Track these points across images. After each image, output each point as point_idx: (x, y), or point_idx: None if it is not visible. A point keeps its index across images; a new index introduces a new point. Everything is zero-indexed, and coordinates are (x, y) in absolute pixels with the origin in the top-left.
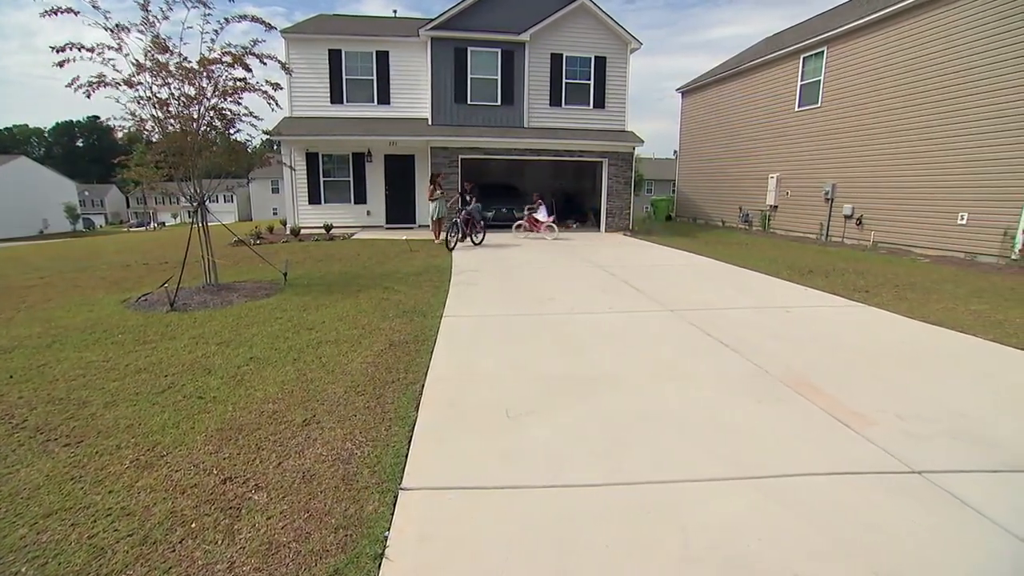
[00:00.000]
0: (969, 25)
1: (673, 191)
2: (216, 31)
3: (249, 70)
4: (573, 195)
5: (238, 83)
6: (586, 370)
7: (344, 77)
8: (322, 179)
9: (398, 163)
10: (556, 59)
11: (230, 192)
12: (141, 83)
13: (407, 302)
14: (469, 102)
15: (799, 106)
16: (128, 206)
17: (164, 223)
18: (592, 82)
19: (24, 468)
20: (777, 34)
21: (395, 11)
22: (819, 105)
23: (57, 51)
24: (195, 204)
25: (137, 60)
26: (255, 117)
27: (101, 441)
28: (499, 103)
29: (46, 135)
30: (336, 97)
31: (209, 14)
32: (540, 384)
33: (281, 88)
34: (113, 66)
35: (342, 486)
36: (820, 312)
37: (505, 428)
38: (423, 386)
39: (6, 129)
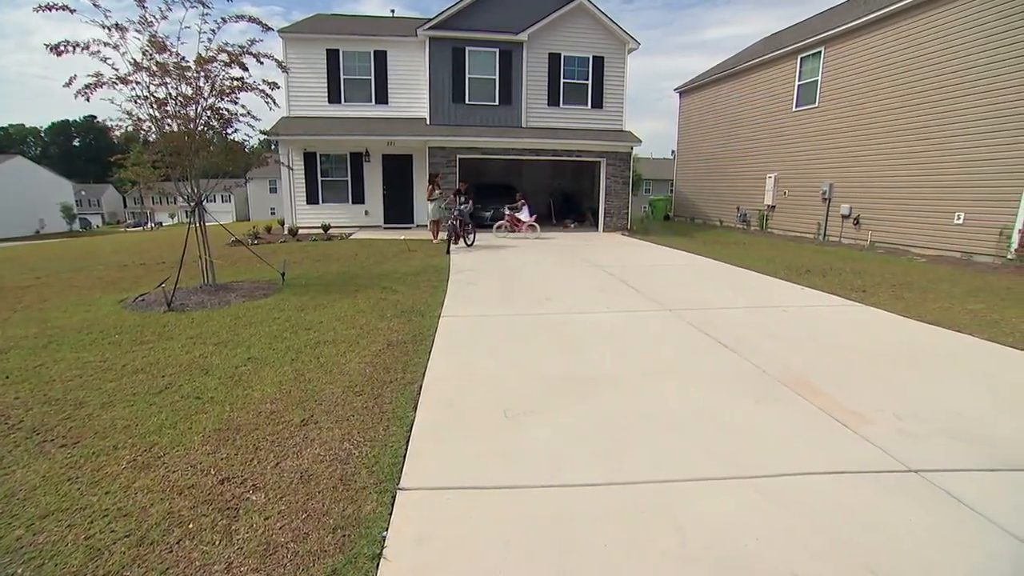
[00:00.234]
0: (967, 25)
1: (671, 191)
2: (214, 31)
3: (246, 69)
4: (571, 195)
5: (235, 83)
6: (584, 370)
7: (342, 77)
8: (320, 179)
9: (396, 163)
10: (554, 59)
11: (227, 192)
12: (138, 82)
13: (405, 302)
14: (467, 102)
15: (797, 106)
16: (125, 206)
17: (161, 223)
18: (590, 82)
19: (20, 469)
20: (775, 34)
21: (393, 11)
22: (816, 105)
23: (52, 48)
24: (192, 204)
25: (134, 59)
26: (253, 117)
27: (98, 442)
28: (497, 103)
29: (42, 134)
30: (334, 97)
31: (207, 13)
32: (538, 384)
33: (279, 87)
34: (112, 65)
35: (340, 486)
36: (818, 312)
37: (503, 428)
38: (421, 386)
39: (2, 129)
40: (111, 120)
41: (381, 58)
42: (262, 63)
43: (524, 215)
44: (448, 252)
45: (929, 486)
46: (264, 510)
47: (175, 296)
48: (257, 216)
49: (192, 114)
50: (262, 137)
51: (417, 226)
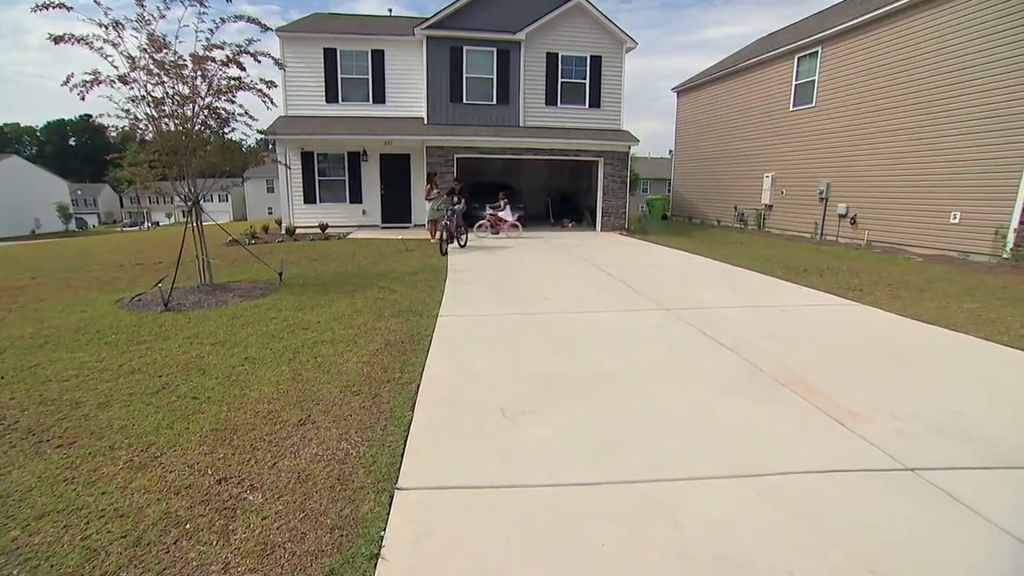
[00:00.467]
0: (963, 25)
1: (669, 190)
2: (212, 30)
3: (244, 69)
4: (569, 194)
5: (232, 82)
6: (582, 369)
7: (339, 76)
8: (317, 178)
9: (394, 162)
10: (552, 58)
11: (225, 191)
12: (136, 81)
13: (403, 301)
14: (465, 101)
15: (794, 106)
16: (122, 205)
17: (158, 223)
18: (588, 81)
19: (16, 470)
20: (772, 34)
21: (390, 10)
22: (813, 105)
23: (56, 39)
24: (189, 204)
25: (132, 56)
26: (250, 116)
27: (94, 442)
28: (495, 102)
29: (38, 134)
30: (331, 96)
31: (204, 12)
32: (536, 383)
33: (276, 86)
34: (111, 62)
35: (338, 486)
36: (815, 311)
37: (502, 428)
38: (419, 386)
39: None
40: (108, 116)
41: (379, 57)
42: (260, 62)
43: (506, 214)
44: (444, 252)
45: (926, 485)
46: (261, 510)
47: (172, 296)
48: (254, 216)
49: (189, 113)
50: (259, 136)
51: (415, 226)
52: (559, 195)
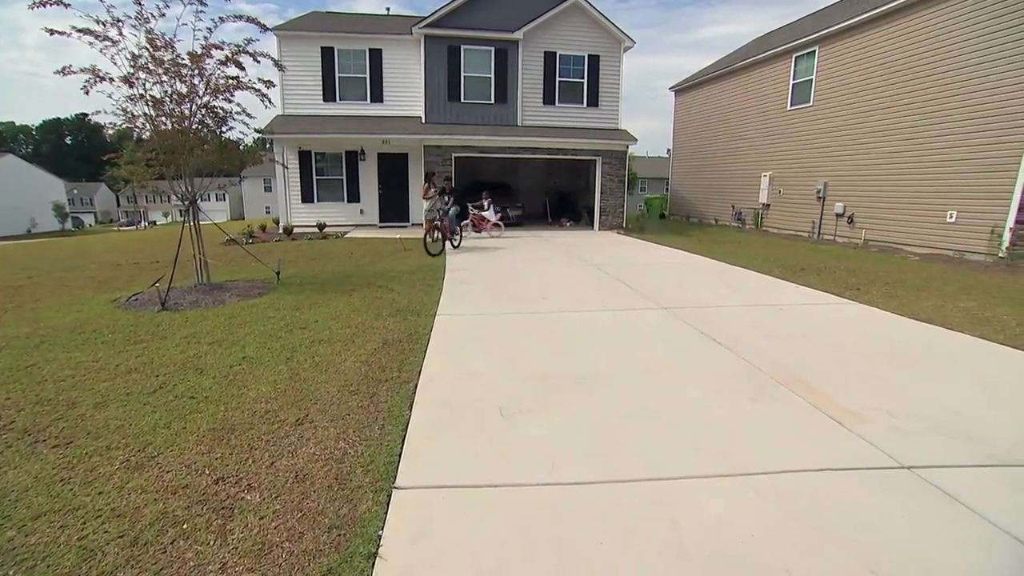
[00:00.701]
0: (959, 25)
1: (666, 189)
2: (210, 29)
3: (242, 68)
4: (567, 194)
5: (230, 81)
6: (580, 368)
7: (337, 75)
8: (315, 177)
9: (391, 161)
10: (549, 57)
11: (222, 191)
12: (137, 78)
13: (401, 301)
14: (463, 100)
15: (791, 105)
16: (118, 205)
17: (155, 222)
18: (585, 80)
19: (12, 470)
20: (769, 33)
21: (388, 9)
22: (811, 104)
23: (58, 33)
24: (186, 203)
25: (132, 54)
26: (248, 115)
27: (91, 442)
28: (492, 101)
29: (34, 132)
30: (329, 95)
31: (202, 11)
32: (534, 383)
33: (274, 86)
34: (111, 59)
35: (335, 485)
36: (812, 310)
37: (499, 427)
38: (417, 385)
39: None
40: (104, 114)
41: (376, 56)
42: (259, 62)
43: (489, 214)
44: (440, 252)
45: (923, 483)
46: (259, 510)
47: (169, 295)
48: (252, 215)
49: (187, 112)
50: (257, 135)
51: (413, 225)
52: (557, 194)
